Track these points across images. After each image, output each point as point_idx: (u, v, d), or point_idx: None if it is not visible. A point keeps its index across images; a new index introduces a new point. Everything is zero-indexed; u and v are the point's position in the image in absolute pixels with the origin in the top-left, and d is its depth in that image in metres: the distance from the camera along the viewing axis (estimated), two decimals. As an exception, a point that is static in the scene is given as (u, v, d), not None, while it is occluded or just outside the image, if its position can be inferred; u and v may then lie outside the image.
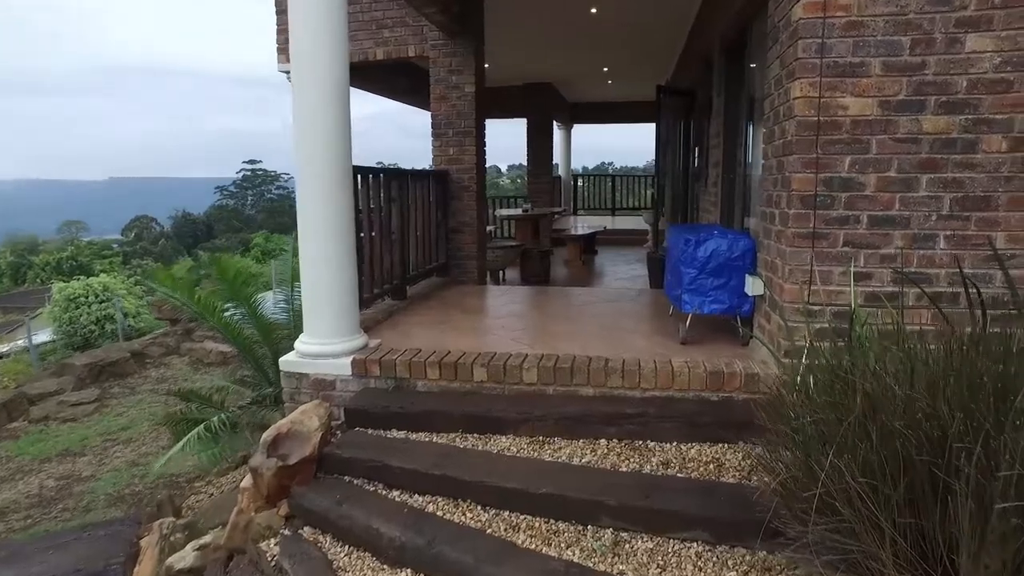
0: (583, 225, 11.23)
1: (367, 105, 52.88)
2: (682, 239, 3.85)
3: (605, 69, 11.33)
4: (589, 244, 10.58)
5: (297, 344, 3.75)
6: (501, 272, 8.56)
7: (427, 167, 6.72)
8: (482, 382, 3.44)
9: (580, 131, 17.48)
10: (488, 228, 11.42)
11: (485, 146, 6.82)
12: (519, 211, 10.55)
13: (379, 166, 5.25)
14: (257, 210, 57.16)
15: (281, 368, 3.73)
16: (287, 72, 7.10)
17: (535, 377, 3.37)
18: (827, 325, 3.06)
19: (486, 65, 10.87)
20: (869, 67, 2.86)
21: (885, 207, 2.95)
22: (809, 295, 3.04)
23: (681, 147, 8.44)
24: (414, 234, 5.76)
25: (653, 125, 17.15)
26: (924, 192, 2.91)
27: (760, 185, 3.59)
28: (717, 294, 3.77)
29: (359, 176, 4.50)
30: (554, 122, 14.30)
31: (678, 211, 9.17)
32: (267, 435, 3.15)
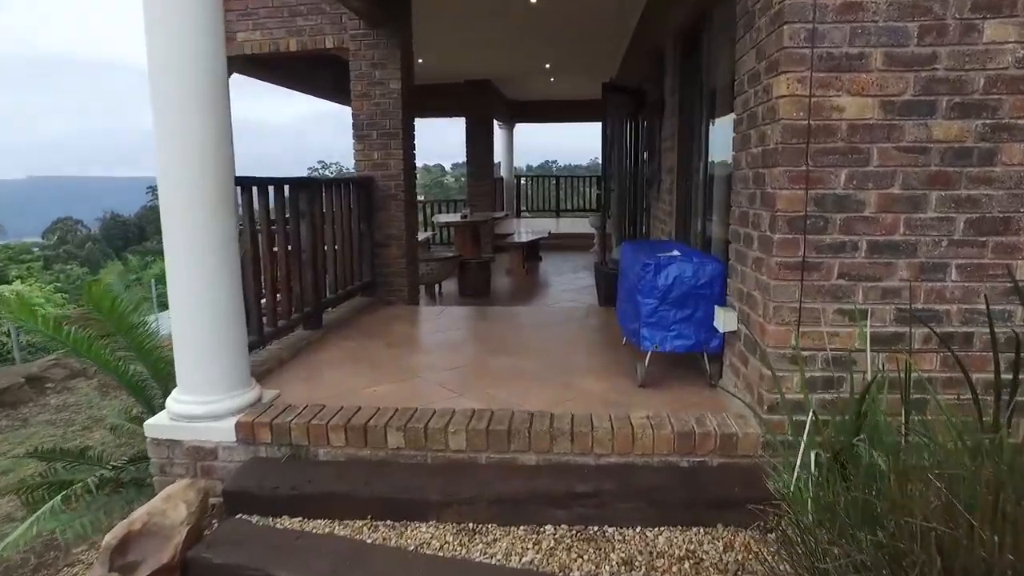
0: (526, 230, 10.63)
1: (305, 104, 51.05)
2: (639, 262, 3.25)
3: (547, 65, 10.75)
4: (533, 251, 9.99)
5: (168, 402, 2.99)
6: (437, 286, 7.87)
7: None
8: (399, 448, 2.76)
9: (523, 130, 16.90)
10: (425, 235, 10.69)
11: (414, 149, 6.12)
12: (458, 216, 9.86)
13: (284, 177, 4.49)
14: None
15: (147, 434, 2.96)
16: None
17: (463, 443, 2.71)
18: (819, 374, 2.51)
19: (419, 60, 10.16)
20: (869, 59, 2.31)
21: (888, 231, 2.40)
22: (798, 338, 2.48)
23: (630, 148, 7.91)
24: (331, 251, 5.02)
25: (598, 124, 16.76)
26: (933, 213, 2.38)
27: (732, 198, 3.02)
28: (681, 328, 3.19)
29: (253, 189, 3.75)
30: (495, 121, 13.66)
31: (625, 216, 8.65)
32: (111, 536, 2.40)
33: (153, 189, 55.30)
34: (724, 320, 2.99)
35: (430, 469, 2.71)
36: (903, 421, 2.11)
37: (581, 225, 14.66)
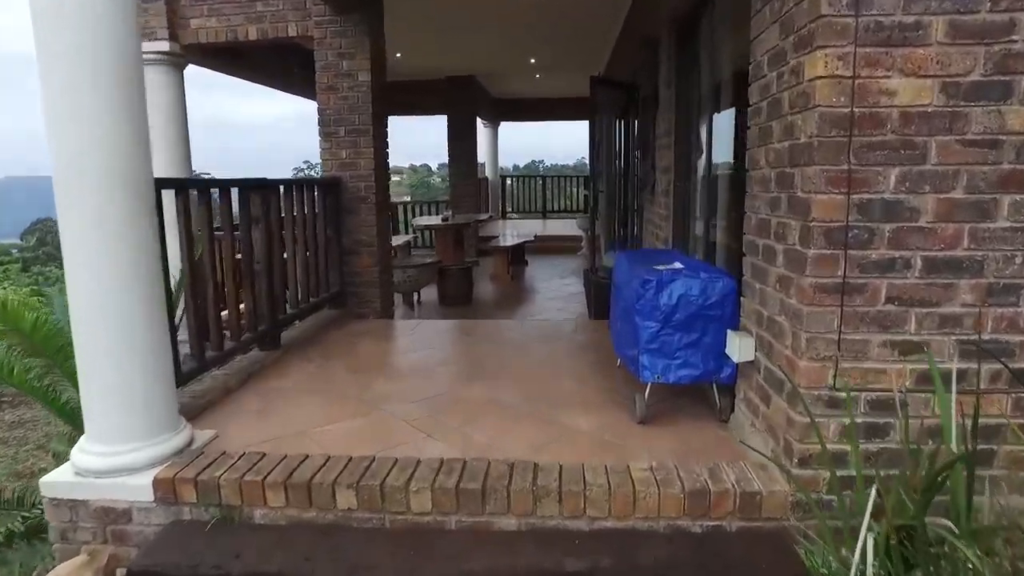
0: (512, 233, 10.16)
1: (291, 103, 50.21)
2: (637, 278, 2.79)
3: (532, 60, 10.28)
4: (518, 255, 9.52)
5: (73, 453, 2.48)
6: (416, 294, 7.37)
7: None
8: (350, 510, 2.27)
9: (508, 129, 16.44)
10: (407, 238, 10.19)
11: (387, 148, 5.62)
12: (439, 219, 9.36)
13: (232, 178, 3.97)
14: None
15: (43, 493, 2.44)
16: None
17: (428, 503, 2.22)
18: (860, 419, 2.05)
19: (396, 55, 9.65)
20: (928, 30, 1.85)
21: (948, 245, 1.95)
22: (836, 377, 2.01)
23: (620, 147, 7.46)
24: (293, 261, 4.52)
25: (585, 122, 16.31)
26: (1005, 222, 1.93)
27: (747, 203, 2.56)
28: (688, 355, 2.72)
29: (191, 192, 3.24)
30: (479, 119, 13.18)
31: (615, 219, 8.20)
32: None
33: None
34: (739, 348, 2.52)
35: (389, 536, 2.22)
36: (966, 474, 1.66)
37: (569, 227, 14.22)
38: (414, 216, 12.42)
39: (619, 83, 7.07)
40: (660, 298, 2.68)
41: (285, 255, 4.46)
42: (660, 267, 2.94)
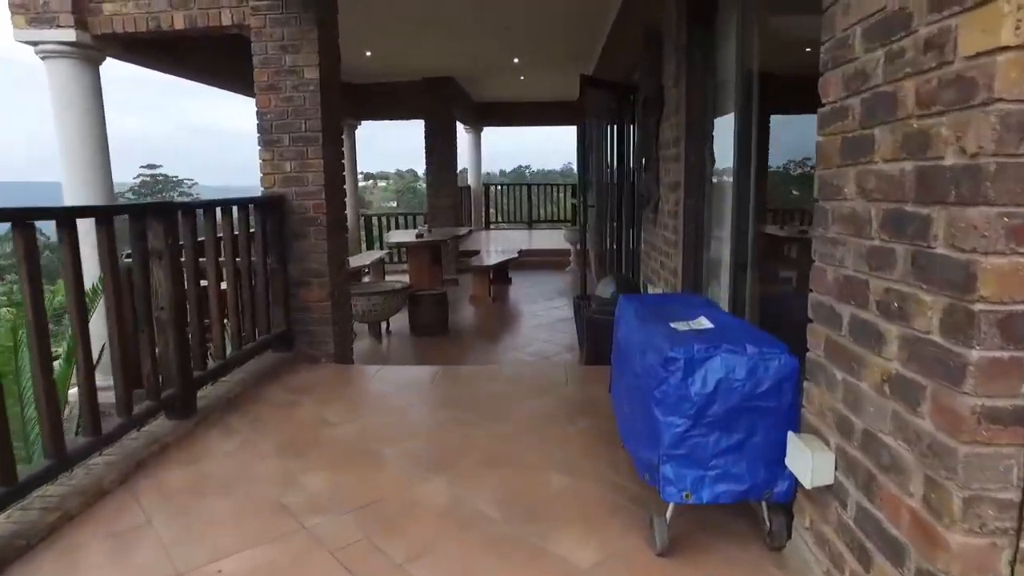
0: (495, 249, 9.33)
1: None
2: (655, 350, 1.97)
3: (516, 60, 9.48)
4: (501, 272, 8.69)
5: None
6: (384, 322, 6.52)
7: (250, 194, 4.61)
8: None
9: (494, 134, 15.64)
10: (380, 255, 9.33)
11: (343, 158, 4.79)
12: (414, 234, 8.51)
13: (114, 205, 3.11)
14: None
15: None
16: (33, 43, 4.81)
17: None
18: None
19: (367, 53, 8.81)
20: None
21: None
22: (1014, 564, 1.19)
23: (614, 155, 6.67)
24: (217, 300, 3.67)
25: (572, 127, 15.55)
26: None
27: (818, 248, 1.75)
28: (728, 463, 1.90)
29: (35, 224, 2.37)
30: (460, 124, 12.34)
31: (607, 234, 7.41)
32: None
33: (118, 195, 53.33)
34: (809, 465, 1.70)
35: None
36: None
37: (556, 238, 13.42)
38: (390, 229, 11.57)
39: (613, 83, 6.28)
40: (690, 384, 1.86)
41: (223, 285, 3.61)
42: (683, 326, 2.12)
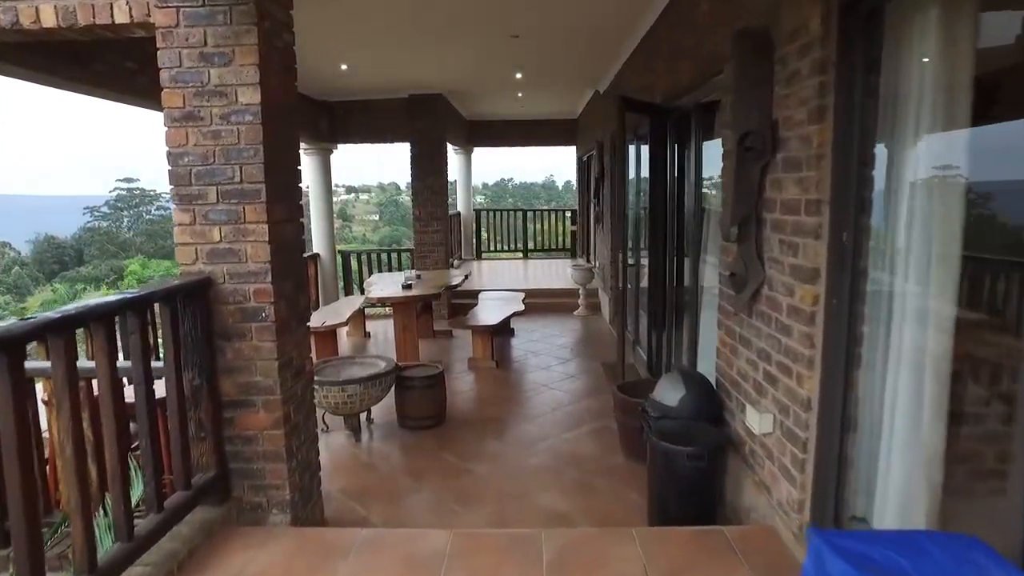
0: (493, 301, 7.86)
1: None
2: None
3: (518, 75, 8.09)
4: (503, 326, 7.24)
5: None
6: (367, 413, 5.05)
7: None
8: None
9: (479, 150, 14.24)
10: (361, 302, 7.84)
11: (301, 215, 3.34)
12: (402, 282, 7.03)
13: None
14: (135, 233, 50.33)
15: None
16: None
17: None
18: None
19: (343, 67, 7.36)
20: None
21: None
22: None
23: (650, 182, 5.32)
24: (96, 450, 2.19)
25: (566, 147, 14.19)
26: None
27: None
28: None
29: None
30: (449, 145, 10.93)
31: (626, 266, 6.06)
32: None
33: (92, 210, 51.32)
34: None
35: None
36: None
37: (556, 271, 12.05)
38: (370, 271, 10.07)
39: (660, 107, 4.93)
40: None
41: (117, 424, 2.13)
42: None
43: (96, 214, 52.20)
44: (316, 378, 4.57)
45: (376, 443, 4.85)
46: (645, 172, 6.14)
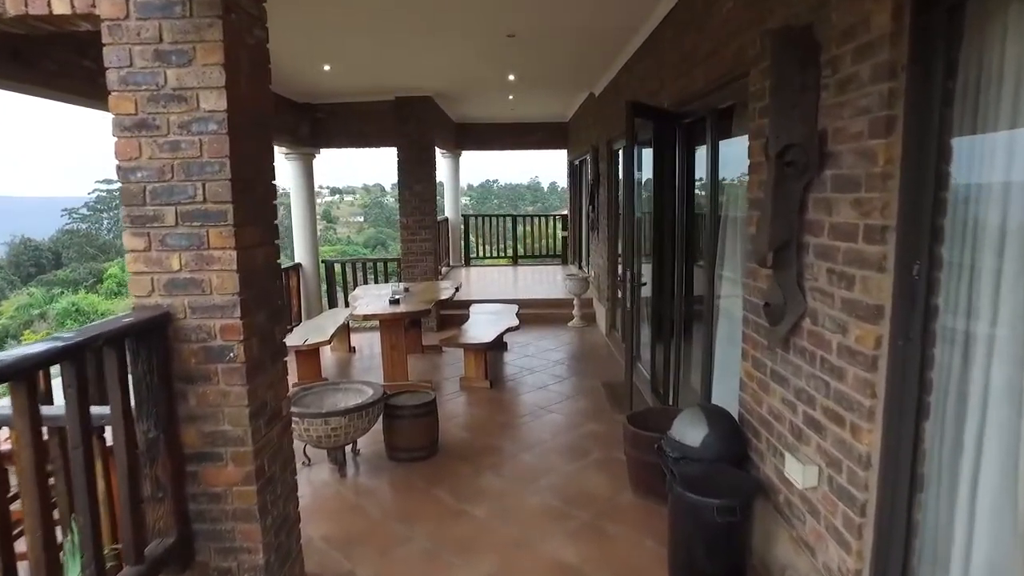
0: (485, 316, 7.46)
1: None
2: None
3: (511, 77, 7.71)
4: (497, 342, 6.84)
5: None
6: (353, 444, 4.64)
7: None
8: None
9: (467, 154, 13.86)
10: (343, 320, 7.41)
11: (277, 236, 2.93)
12: (389, 296, 6.62)
13: None
14: (115, 235, 49.41)
15: None
16: None
17: None
18: None
19: (325, 67, 6.95)
20: None
21: None
22: None
23: (653, 188, 4.96)
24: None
25: (557, 151, 13.84)
26: None
27: None
28: None
29: None
30: (437, 149, 10.52)
31: (624, 270, 5.71)
32: None
33: (70, 211, 50.19)
34: None
35: None
36: None
37: (548, 279, 11.69)
38: (355, 281, 9.64)
39: (668, 114, 4.57)
40: None
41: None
42: None
43: (75, 216, 51.20)
44: (295, 409, 4.16)
45: (363, 478, 4.43)
46: (646, 176, 5.80)
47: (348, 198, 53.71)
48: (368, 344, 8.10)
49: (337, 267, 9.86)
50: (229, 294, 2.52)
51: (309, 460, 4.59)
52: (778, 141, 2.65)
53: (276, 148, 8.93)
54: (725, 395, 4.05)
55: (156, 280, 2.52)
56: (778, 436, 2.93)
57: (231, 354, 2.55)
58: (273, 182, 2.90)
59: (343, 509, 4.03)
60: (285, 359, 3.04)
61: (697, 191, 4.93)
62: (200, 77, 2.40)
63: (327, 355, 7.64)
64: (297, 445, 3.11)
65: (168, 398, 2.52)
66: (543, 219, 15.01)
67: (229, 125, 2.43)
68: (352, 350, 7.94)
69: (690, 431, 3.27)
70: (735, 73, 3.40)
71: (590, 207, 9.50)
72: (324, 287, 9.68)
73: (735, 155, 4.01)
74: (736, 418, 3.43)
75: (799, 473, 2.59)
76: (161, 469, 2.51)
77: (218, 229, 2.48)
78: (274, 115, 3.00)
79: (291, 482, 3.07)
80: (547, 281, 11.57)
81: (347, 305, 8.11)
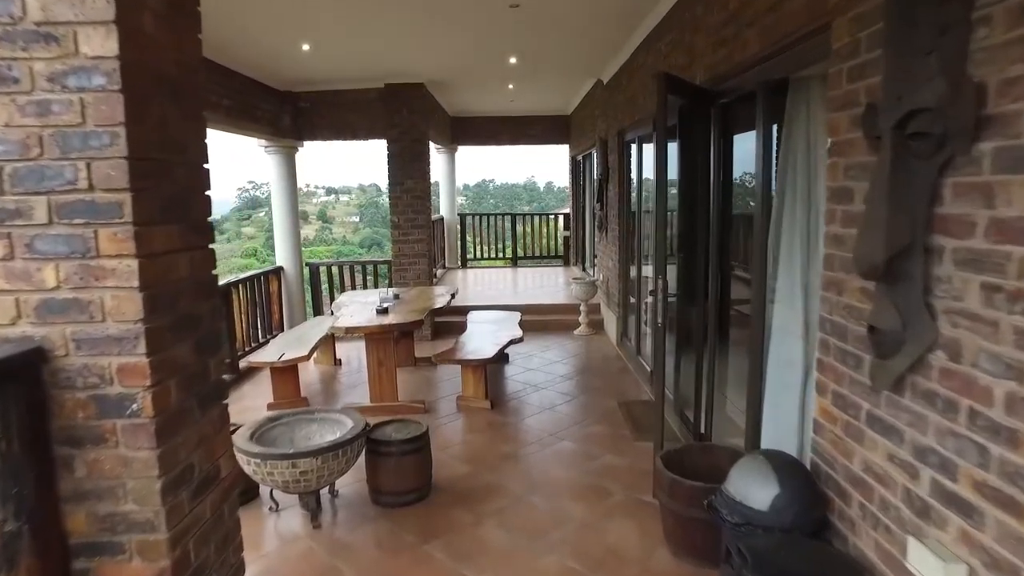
0: (485, 327, 6.70)
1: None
2: None
3: (512, 60, 6.97)
4: (498, 355, 6.10)
5: None
6: (329, 488, 3.90)
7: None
8: None
9: (464, 150, 13.12)
10: (328, 328, 6.66)
11: (212, 237, 2.18)
12: (377, 305, 5.87)
13: None
14: None
15: None
16: None
17: None
18: None
19: (304, 47, 6.18)
20: None
21: None
22: None
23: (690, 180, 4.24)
24: None
25: (557, 146, 13.11)
26: None
27: None
28: None
29: None
30: (432, 144, 9.78)
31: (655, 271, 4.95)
32: None
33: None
34: None
35: None
36: None
37: (550, 282, 10.96)
38: (342, 286, 8.89)
39: (704, 91, 3.85)
40: None
41: None
42: None
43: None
44: (255, 449, 3.41)
45: (341, 530, 3.68)
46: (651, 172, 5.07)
47: (344, 198, 52.92)
48: (356, 355, 7.34)
49: (323, 270, 9.10)
50: (129, 321, 1.77)
51: (277, 505, 3.84)
52: (899, 106, 1.91)
53: (256, 140, 8.13)
54: (779, 432, 3.32)
55: (23, 302, 1.76)
56: (882, 505, 2.19)
57: (133, 406, 1.80)
58: (204, 164, 2.14)
59: (309, 565, 3.28)
60: (225, 401, 2.28)
61: (737, 183, 4.20)
62: (78, 6, 1.65)
63: (310, 369, 6.89)
64: (238, 536, 2.35)
65: (41, 469, 1.77)
66: (543, 218, 14.27)
67: (124, 79, 1.68)
68: (338, 362, 7.19)
69: (755, 490, 2.53)
70: (811, 27, 2.66)
71: (597, 205, 8.77)
72: (310, 292, 8.94)
73: (792, 140, 3.28)
74: (809, 468, 2.69)
75: (938, 571, 1.85)
76: (28, 568, 1.75)
77: (111, 229, 1.73)
78: (203, 78, 2.24)
79: (234, 563, 2.32)
80: (549, 284, 10.84)
81: (332, 313, 7.35)
